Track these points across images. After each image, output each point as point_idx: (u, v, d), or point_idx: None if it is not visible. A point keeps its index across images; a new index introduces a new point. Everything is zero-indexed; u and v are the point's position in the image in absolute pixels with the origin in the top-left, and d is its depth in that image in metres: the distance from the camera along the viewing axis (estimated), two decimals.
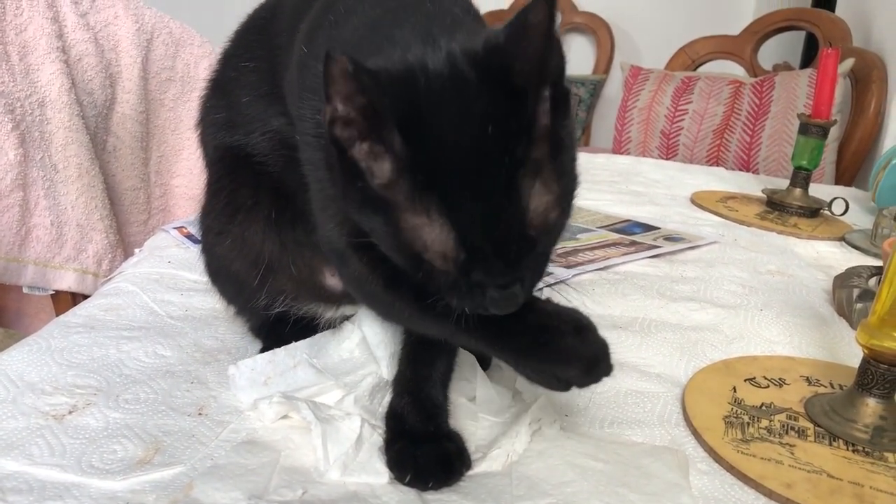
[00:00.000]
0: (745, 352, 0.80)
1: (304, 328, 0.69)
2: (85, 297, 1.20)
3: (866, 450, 0.62)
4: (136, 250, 1.03)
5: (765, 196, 1.44)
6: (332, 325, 0.71)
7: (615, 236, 1.18)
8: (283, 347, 0.67)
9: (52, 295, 1.29)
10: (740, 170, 2.05)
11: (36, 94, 1.21)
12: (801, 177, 1.39)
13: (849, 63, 1.94)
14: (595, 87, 3.15)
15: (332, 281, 0.68)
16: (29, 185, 1.20)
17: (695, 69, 2.39)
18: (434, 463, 0.55)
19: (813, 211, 1.38)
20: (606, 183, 1.54)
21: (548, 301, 0.52)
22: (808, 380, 0.73)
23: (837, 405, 0.66)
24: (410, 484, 0.54)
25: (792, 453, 0.61)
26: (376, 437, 0.58)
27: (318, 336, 0.69)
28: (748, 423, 0.65)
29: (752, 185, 1.65)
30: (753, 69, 2.33)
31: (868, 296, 0.89)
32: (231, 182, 0.68)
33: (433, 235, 0.44)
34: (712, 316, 0.89)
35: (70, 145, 1.24)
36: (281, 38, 0.63)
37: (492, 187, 0.43)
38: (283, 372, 0.65)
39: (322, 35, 0.55)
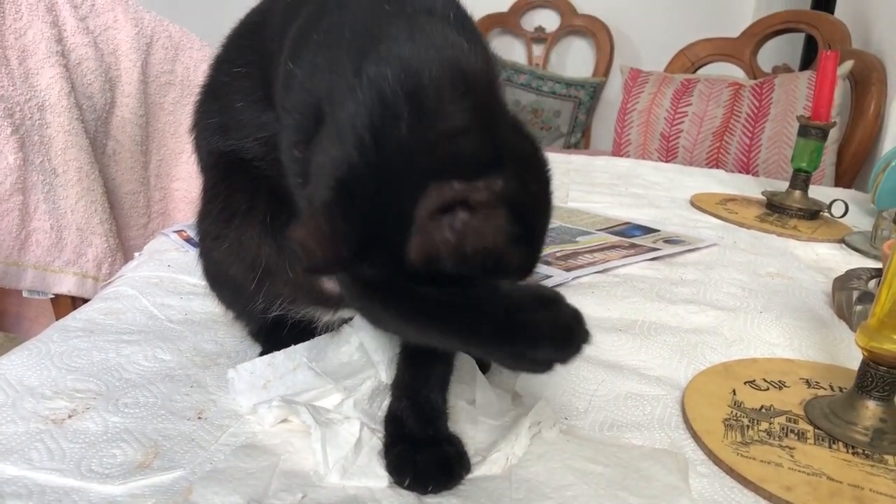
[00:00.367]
0: (744, 354, 0.80)
1: (303, 332, 0.69)
2: (84, 300, 1.20)
3: (866, 452, 0.62)
4: (136, 254, 1.03)
5: (764, 198, 1.44)
6: (330, 328, 0.70)
7: (615, 239, 1.18)
8: (281, 351, 0.67)
9: (51, 299, 1.29)
10: (740, 172, 2.05)
11: (35, 98, 1.21)
12: (801, 179, 1.39)
13: (848, 65, 1.94)
14: (594, 90, 3.16)
15: (329, 284, 0.68)
16: (28, 188, 1.20)
17: (694, 71, 2.40)
18: (433, 466, 0.55)
19: (812, 213, 1.38)
20: (606, 185, 1.55)
21: (508, 283, 0.49)
22: (807, 382, 0.73)
23: (837, 408, 0.66)
24: (410, 487, 0.54)
25: (792, 456, 0.61)
26: (376, 441, 0.58)
27: (316, 339, 0.69)
28: (748, 426, 0.65)
29: (751, 187, 1.65)
30: (753, 71, 2.33)
31: (868, 298, 0.89)
32: (226, 187, 0.68)
33: None
34: (712, 318, 0.89)
35: (70, 149, 1.24)
36: (273, 44, 0.62)
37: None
38: (283, 375, 0.65)
39: (306, 56, 0.53)
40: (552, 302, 0.47)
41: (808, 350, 0.83)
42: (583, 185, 1.52)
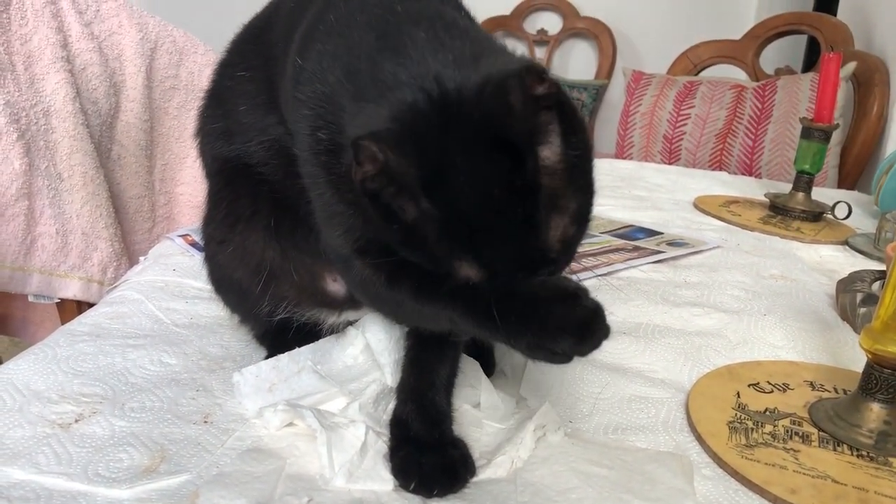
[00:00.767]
0: (748, 357, 0.80)
1: (308, 334, 0.70)
2: (90, 305, 1.20)
3: (871, 455, 0.62)
4: (141, 258, 1.03)
5: (767, 200, 1.44)
6: (334, 330, 0.71)
7: (618, 241, 1.18)
8: (286, 353, 0.67)
9: (57, 303, 1.29)
10: (743, 174, 2.05)
11: (41, 104, 1.22)
12: (804, 181, 1.39)
13: (851, 67, 1.94)
14: (597, 93, 3.16)
15: (334, 287, 0.68)
16: (34, 193, 1.20)
17: (697, 74, 2.40)
18: (439, 470, 0.56)
19: (816, 215, 1.38)
20: (609, 188, 1.55)
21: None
22: (812, 384, 0.73)
23: (842, 410, 0.66)
24: (415, 491, 0.55)
25: (796, 458, 0.61)
26: (381, 445, 0.58)
27: (321, 341, 0.69)
28: (752, 429, 0.65)
29: (754, 189, 1.65)
30: (755, 73, 2.33)
31: (871, 300, 0.89)
32: (231, 192, 0.68)
33: (460, 265, 0.47)
34: (716, 321, 0.89)
35: (75, 154, 1.24)
36: (277, 48, 0.63)
37: (512, 229, 0.46)
38: (288, 378, 0.65)
39: (316, 48, 0.55)
40: (574, 295, 0.49)
41: (812, 352, 0.83)
42: None
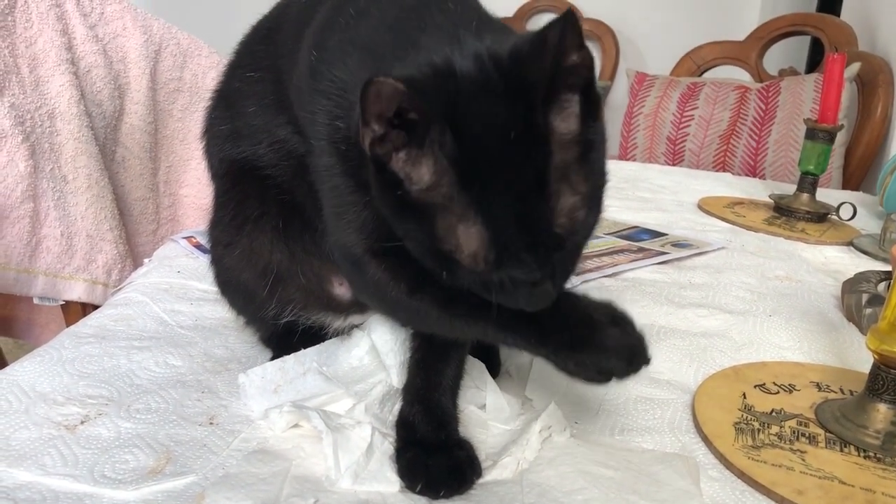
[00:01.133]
0: (754, 358, 0.80)
1: (313, 338, 0.70)
2: (95, 307, 1.20)
3: (878, 456, 0.62)
4: (146, 260, 1.03)
5: (772, 201, 1.44)
6: (339, 334, 0.71)
7: (623, 243, 1.18)
8: (292, 355, 0.67)
9: (62, 305, 1.29)
10: (747, 175, 2.05)
11: (46, 106, 1.22)
12: (809, 182, 1.39)
13: (855, 67, 1.94)
14: (600, 94, 3.15)
15: (340, 290, 0.68)
16: (39, 196, 1.20)
17: (700, 75, 2.40)
18: (445, 471, 0.56)
19: (820, 216, 1.37)
20: (613, 189, 1.53)
21: (584, 296, 0.53)
22: (818, 385, 0.73)
23: (848, 411, 0.66)
24: (422, 493, 0.55)
25: (803, 459, 0.61)
26: (387, 446, 0.58)
27: (327, 343, 0.69)
28: (758, 430, 0.65)
29: (759, 190, 1.65)
30: (759, 74, 2.33)
31: (877, 301, 0.88)
32: (238, 194, 0.68)
33: (466, 235, 0.46)
34: (721, 322, 0.89)
35: (79, 156, 1.24)
36: (286, 48, 0.63)
37: (521, 189, 0.46)
38: (293, 379, 0.65)
39: (334, 38, 0.55)
40: (623, 321, 0.51)
41: (818, 353, 0.83)
42: None
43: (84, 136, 1.25)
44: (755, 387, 0.72)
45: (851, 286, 0.95)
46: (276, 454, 0.58)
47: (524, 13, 3.35)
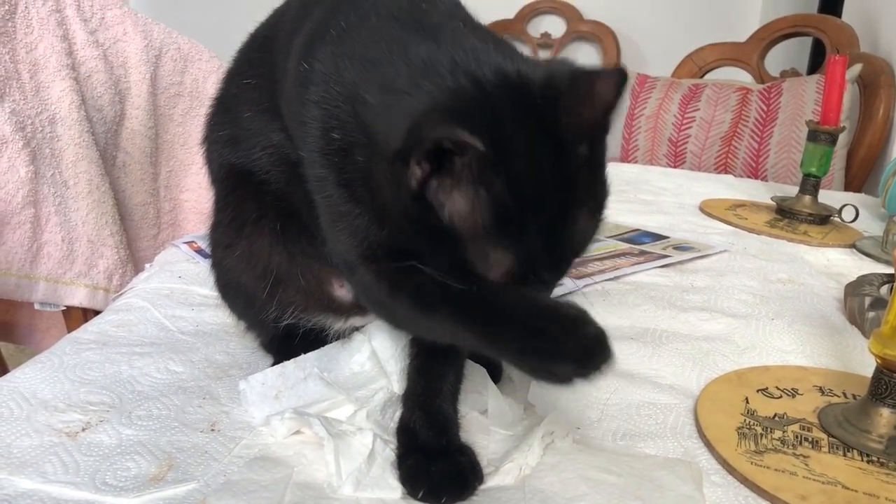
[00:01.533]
0: (757, 362, 0.80)
1: (314, 341, 0.70)
2: (96, 312, 1.20)
3: (881, 460, 0.62)
4: (147, 265, 1.03)
5: (774, 203, 1.43)
6: (340, 336, 0.71)
7: (624, 246, 1.18)
8: (292, 360, 0.67)
9: (63, 311, 1.29)
10: (749, 177, 2.04)
11: (46, 112, 1.22)
12: (811, 184, 1.39)
13: (856, 69, 1.94)
14: None
15: (341, 292, 0.68)
16: (40, 201, 1.20)
17: (701, 76, 2.39)
18: (447, 478, 0.55)
19: (823, 218, 1.37)
20: (614, 192, 1.53)
21: (543, 295, 0.52)
22: (821, 390, 0.73)
23: (851, 415, 0.66)
24: (424, 499, 0.54)
25: (806, 464, 0.61)
26: (388, 452, 0.58)
27: (327, 348, 0.69)
28: (761, 435, 0.65)
29: (761, 192, 1.65)
30: (761, 76, 2.33)
31: (880, 304, 0.88)
32: (237, 197, 0.68)
33: (497, 258, 0.48)
34: (723, 326, 0.89)
35: (80, 162, 1.24)
36: (280, 55, 0.63)
37: (552, 216, 0.49)
38: (294, 385, 0.65)
39: (325, 50, 0.55)
40: (578, 320, 0.49)
41: (821, 357, 0.83)
42: None
43: (85, 141, 1.25)
44: (758, 391, 0.72)
45: (854, 289, 0.95)
46: (277, 461, 0.58)
47: (525, 15, 3.35)
